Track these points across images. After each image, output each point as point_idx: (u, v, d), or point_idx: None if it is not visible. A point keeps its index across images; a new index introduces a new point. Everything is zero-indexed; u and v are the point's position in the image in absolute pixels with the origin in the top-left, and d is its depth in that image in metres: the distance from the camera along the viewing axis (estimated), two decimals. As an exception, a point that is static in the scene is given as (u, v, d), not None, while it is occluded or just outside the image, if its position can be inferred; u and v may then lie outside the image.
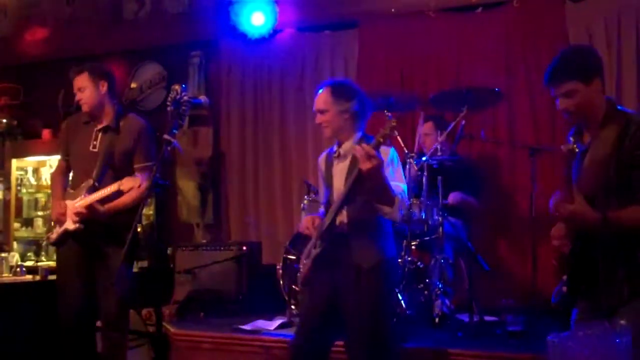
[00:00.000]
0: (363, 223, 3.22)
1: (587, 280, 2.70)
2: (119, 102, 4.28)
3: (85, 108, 4.11)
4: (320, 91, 3.38)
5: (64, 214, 3.99)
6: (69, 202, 4.01)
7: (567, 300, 2.77)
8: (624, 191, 2.61)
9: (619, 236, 2.60)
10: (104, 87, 4.10)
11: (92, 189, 3.95)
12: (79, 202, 3.95)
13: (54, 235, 4.08)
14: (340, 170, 3.33)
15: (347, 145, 3.32)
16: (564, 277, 2.76)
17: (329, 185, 3.42)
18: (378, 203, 3.09)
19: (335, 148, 3.41)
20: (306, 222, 3.40)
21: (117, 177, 3.92)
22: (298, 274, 3.87)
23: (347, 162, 3.30)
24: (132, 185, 3.84)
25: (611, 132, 2.66)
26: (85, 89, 4.07)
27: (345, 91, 3.34)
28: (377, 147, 2.92)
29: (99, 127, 4.10)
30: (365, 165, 2.88)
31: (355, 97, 3.31)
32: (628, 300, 2.61)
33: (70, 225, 3.97)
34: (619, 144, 2.62)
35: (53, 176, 4.47)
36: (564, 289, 2.75)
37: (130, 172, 4.02)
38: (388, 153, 3.19)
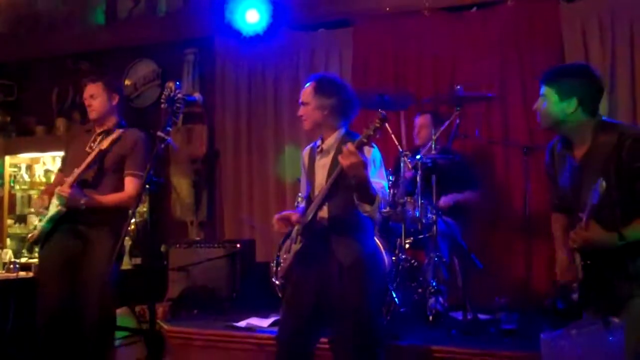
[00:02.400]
0: (343, 219, 3.23)
1: (596, 288, 2.77)
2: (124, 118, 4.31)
3: (93, 115, 4.18)
4: (307, 84, 3.40)
5: (45, 207, 4.04)
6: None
7: (578, 307, 2.82)
8: (628, 202, 2.69)
9: (624, 245, 2.68)
10: (115, 100, 4.19)
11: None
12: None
13: (33, 235, 4.09)
14: (322, 165, 3.34)
15: (330, 140, 3.33)
16: (575, 285, 2.82)
17: (311, 180, 3.42)
18: (359, 200, 3.09)
19: (318, 143, 3.42)
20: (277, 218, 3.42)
21: (103, 176, 3.99)
22: (278, 268, 3.87)
23: (329, 157, 3.30)
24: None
25: (605, 147, 2.71)
26: (97, 97, 4.15)
27: (328, 87, 3.34)
28: (359, 146, 2.94)
29: (99, 130, 4.16)
30: (346, 162, 2.91)
31: (338, 94, 3.32)
32: (625, 301, 2.70)
33: (53, 209, 3.98)
34: (616, 158, 2.67)
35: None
36: (574, 296, 2.80)
37: (118, 176, 4.05)
38: (370, 152, 3.19)
